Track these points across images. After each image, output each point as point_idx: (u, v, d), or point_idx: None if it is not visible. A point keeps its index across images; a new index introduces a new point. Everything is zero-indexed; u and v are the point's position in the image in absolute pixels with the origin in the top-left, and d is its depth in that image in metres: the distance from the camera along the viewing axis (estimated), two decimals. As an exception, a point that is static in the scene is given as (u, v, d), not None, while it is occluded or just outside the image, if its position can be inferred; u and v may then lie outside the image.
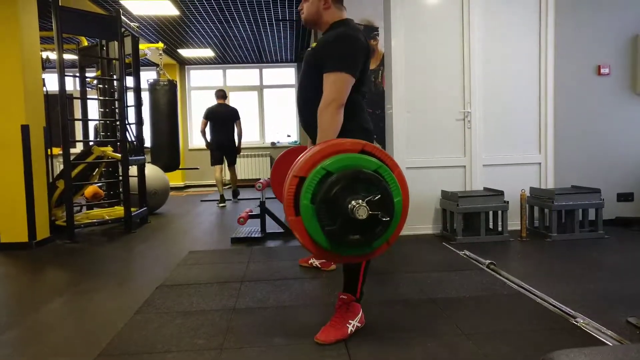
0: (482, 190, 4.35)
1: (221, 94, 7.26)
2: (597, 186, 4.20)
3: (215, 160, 7.21)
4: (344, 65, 2.08)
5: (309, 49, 2.33)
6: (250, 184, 8.88)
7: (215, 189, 8.20)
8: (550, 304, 2.51)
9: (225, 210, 6.64)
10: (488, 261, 3.30)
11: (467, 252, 3.66)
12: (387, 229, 1.78)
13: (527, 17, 4.45)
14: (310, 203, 1.74)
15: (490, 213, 4.23)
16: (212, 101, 7.35)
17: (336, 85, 2.07)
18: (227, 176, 7.85)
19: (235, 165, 7.51)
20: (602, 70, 4.48)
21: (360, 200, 1.69)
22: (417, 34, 4.39)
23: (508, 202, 4.10)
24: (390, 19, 4.34)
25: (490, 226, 4.27)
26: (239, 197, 7.57)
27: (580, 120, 4.51)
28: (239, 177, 8.21)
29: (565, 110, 4.49)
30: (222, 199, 7.12)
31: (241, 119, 7.26)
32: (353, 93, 2.16)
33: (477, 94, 4.43)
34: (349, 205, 1.70)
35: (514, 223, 4.26)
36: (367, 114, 2.32)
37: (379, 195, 1.71)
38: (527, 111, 4.51)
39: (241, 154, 7.76)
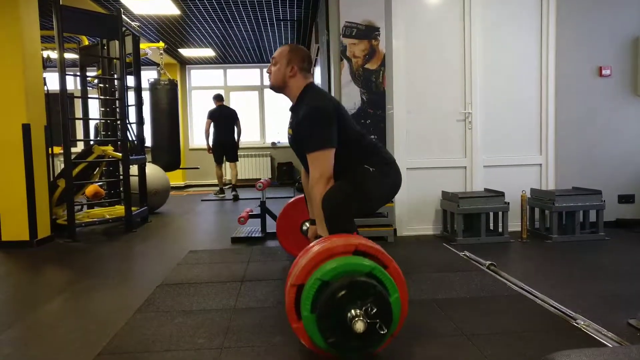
0: (483, 191, 4.35)
1: (219, 97, 7.79)
2: (598, 188, 4.20)
3: (217, 158, 7.76)
4: (318, 143, 2.28)
5: (289, 134, 2.57)
6: (250, 183, 8.89)
7: (214, 189, 8.63)
8: (551, 305, 2.50)
9: (226, 210, 6.65)
10: (488, 262, 3.30)
11: (468, 253, 3.66)
12: (387, 335, 1.81)
13: (528, 18, 4.46)
14: (310, 313, 1.80)
15: (491, 214, 4.23)
16: (212, 101, 7.73)
17: (318, 162, 2.28)
18: (227, 174, 8.20)
19: (237, 162, 7.96)
20: (603, 72, 4.48)
21: (358, 312, 1.73)
22: (418, 34, 4.40)
23: (509, 203, 4.10)
24: (391, 20, 4.34)
25: (491, 227, 4.27)
26: (238, 198, 7.67)
27: (581, 122, 4.51)
28: (239, 177, 8.70)
29: (566, 111, 4.49)
30: (222, 191, 7.92)
31: (240, 119, 7.81)
32: (357, 144, 2.39)
33: (477, 95, 4.43)
34: (348, 316, 1.74)
35: (514, 224, 4.26)
36: (380, 150, 2.50)
37: (375, 308, 1.76)
38: (528, 112, 4.51)
39: (242, 154, 8.42)
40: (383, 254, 1.94)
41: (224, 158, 7.76)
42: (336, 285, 1.77)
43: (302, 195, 3.29)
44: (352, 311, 1.74)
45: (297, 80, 2.45)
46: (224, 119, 7.62)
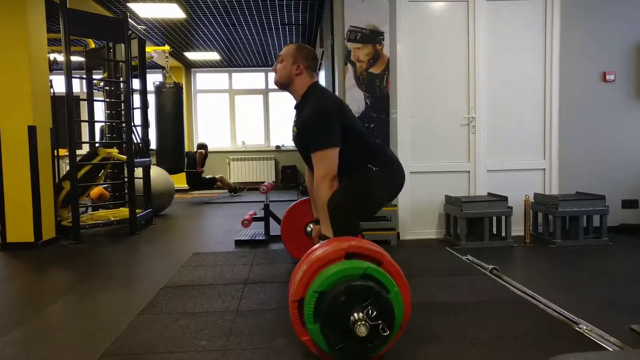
0: (486, 196, 4.34)
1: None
2: (601, 193, 4.19)
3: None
4: (323, 142, 2.30)
5: (293, 132, 2.58)
6: (255, 186, 8.91)
7: (220, 192, 9.04)
8: (554, 310, 2.50)
9: (230, 212, 6.66)
10: (491, 266, 3.29)
11: (471, 257, 3.65)
12: (391, 335, 1.81)
13: (533, 23, 4.46)
14: (314, 325, 1.82)
15: (494, 218, 4.22)
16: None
17: (323, 162, 2.29)
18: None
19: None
20: (607, 77, 4.47)
21: (360, 315, 1.74)
22: (422, 39, 4.41)
23: (512, 207, 4.10)
24: (395, 24, 4.35)
25: (494, 231, 4.26)
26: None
27: (585, 126, 4.51)
28: (244, 180, 9.71)
29: (570, 116, 4.49)
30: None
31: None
32: (361, 144, 2.42)
33: (481, 100, 4.44)
34: (350, 320, 1.75)
35: (517, 229, 4.26)
36: (384, 150, 2.56)
37: (376, 309, 1.76)
38: (532, 116, 4.51)
39: (247, 157, 9.29)
40: (375, 252, 1.92)
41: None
42: (333, 294, 1.77)
43: (306, 197, 3.30)
44: (355, 315, 1.75)
45: (303, 78, 2.47)
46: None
